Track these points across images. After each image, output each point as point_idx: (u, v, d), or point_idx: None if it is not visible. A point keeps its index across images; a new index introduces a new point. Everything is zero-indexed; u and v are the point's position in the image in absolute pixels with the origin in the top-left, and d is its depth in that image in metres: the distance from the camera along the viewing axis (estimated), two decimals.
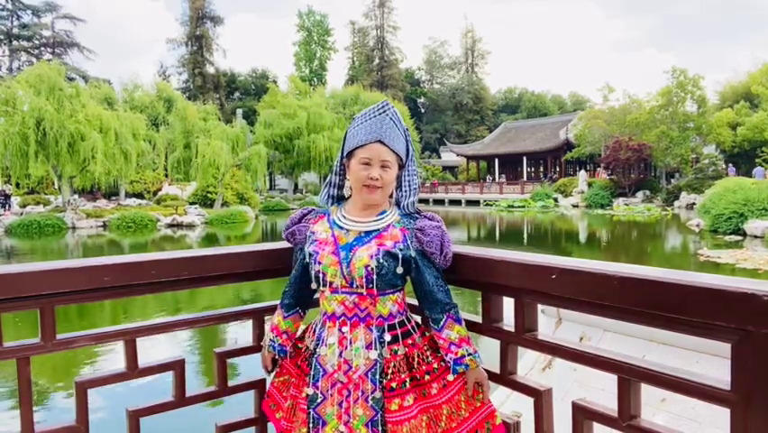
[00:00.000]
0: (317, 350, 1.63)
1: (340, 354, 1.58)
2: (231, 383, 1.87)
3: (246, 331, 2.01)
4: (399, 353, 1.60)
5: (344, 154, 1.69)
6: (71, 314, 8.24)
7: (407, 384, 1.58)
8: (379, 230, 1.62)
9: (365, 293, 1.58)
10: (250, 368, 2.17)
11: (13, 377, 4.93)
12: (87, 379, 1.61)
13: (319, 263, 1.60)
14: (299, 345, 1.78)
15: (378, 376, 1.56)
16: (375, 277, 1.54)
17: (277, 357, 1.78)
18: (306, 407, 1.61)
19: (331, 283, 1.59)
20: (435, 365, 1.63)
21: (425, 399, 1.60)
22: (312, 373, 1.62)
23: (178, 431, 3.49)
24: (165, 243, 21.32)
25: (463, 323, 1.62)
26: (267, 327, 1.86)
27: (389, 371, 1.57)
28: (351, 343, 1.58)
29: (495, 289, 1.64)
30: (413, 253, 1.59)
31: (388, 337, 1.59)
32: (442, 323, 1.59)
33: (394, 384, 1.56)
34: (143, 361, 1.68)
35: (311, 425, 1.58)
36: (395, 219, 1.65)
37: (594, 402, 1.39)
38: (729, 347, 1.09)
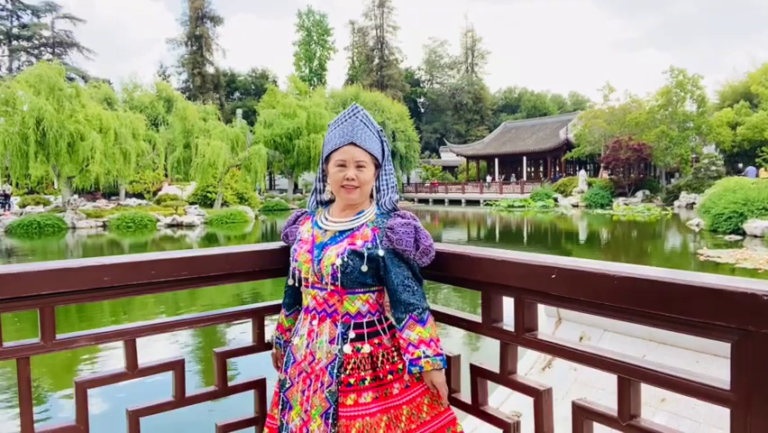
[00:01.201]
0: (292, 339, 1.74)
1: (307, 346, 1.66)
2: (231, 383, 1.88)
3: (246, 331, 2.01)
4: (363, 351, 1.62)
5: (323, 160, 1.75)
6: (71, 314, 8.25)
7: (367, 382, 1.60)
8: (352, 229, 1.66)
9: (332, 290, 1.63)
10: (250, 368, 2.18)
11: (13, 377, 4.93)
12: (87, 379, 1.61)
13: (296, 261, 1.70)
14: None
15: (336, 370, 1.60)
16: (340, 275, 1.60)
17: (283, 353, 1.84)
18: (278, 390, 1.72)
19: (306, 279, 1.67)
20: (400, 366, 1.65)
21: (386, 398, 1.61)
22: (285, 359, 1.74)
23: (178, 431, 3.50)
24: (165, 243, 21.32)
25: (428, 324, 1.61)
26: (273, 326, 1.91)
27: (349, 367, 1.60)
28: (317, 336, 1.65)
29: (495, 289, 1.63)
30: (381, 252, 1.61)
31: (352, 335, 1.62)
32: (403, 323, 1.61)
33: (352, 380, 1.59)
34: (143, 361, 1.69)
35: (281, 407, 1.69)
36: (369, 219, 1.68)
37: (594, 402, 1.39)
38: (729, 347, 1.09)
